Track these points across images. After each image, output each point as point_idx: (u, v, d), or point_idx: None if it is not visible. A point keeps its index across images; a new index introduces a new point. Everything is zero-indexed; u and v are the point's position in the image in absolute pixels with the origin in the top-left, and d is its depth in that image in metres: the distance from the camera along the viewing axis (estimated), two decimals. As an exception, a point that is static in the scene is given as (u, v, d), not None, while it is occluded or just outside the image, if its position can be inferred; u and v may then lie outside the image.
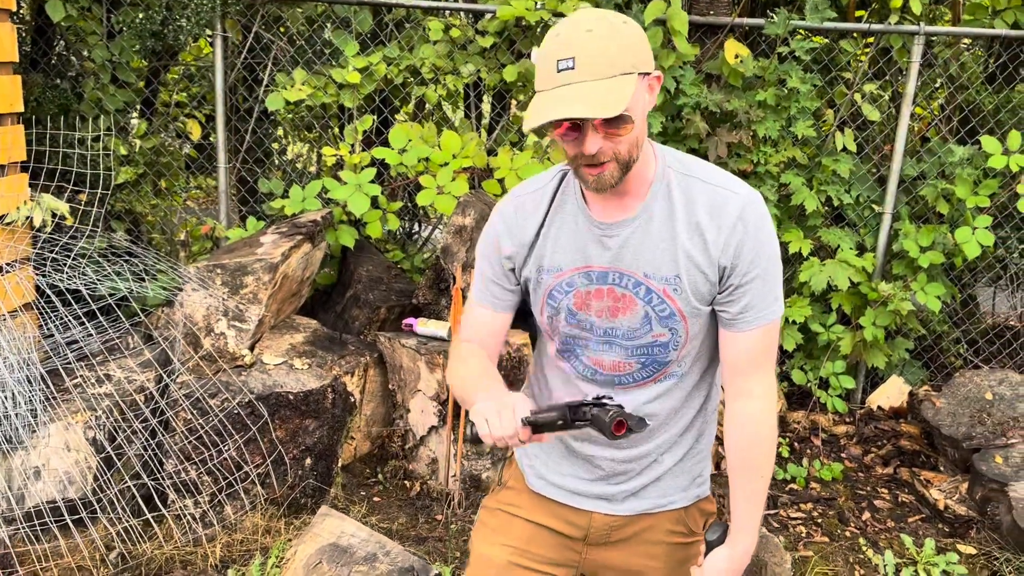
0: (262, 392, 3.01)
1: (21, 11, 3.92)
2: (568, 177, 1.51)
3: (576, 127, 1.30)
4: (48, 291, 3.08)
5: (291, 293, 3.53)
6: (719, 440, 1.81)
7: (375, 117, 4.16)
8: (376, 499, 3.34)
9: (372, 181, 3.79)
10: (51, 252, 3.14)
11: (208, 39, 4.13)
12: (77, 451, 2.86)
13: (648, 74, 1.33)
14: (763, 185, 3.82)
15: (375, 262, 4.09)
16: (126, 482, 2.99)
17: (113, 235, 3.68)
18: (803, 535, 3.22)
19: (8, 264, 3.02)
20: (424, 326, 3.46)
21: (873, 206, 4.12)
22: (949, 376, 4.19)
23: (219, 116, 4.02)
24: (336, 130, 4.81)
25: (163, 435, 3.01)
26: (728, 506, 1.54)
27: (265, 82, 4.20)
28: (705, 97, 3.69)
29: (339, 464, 3.31)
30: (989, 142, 3.81)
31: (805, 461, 3.71)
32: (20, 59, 3.09)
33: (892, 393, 4.15)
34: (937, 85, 4.68)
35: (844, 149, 3.97)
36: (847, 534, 3.25)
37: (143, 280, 3.25)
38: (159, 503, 3.00)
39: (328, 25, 4.12)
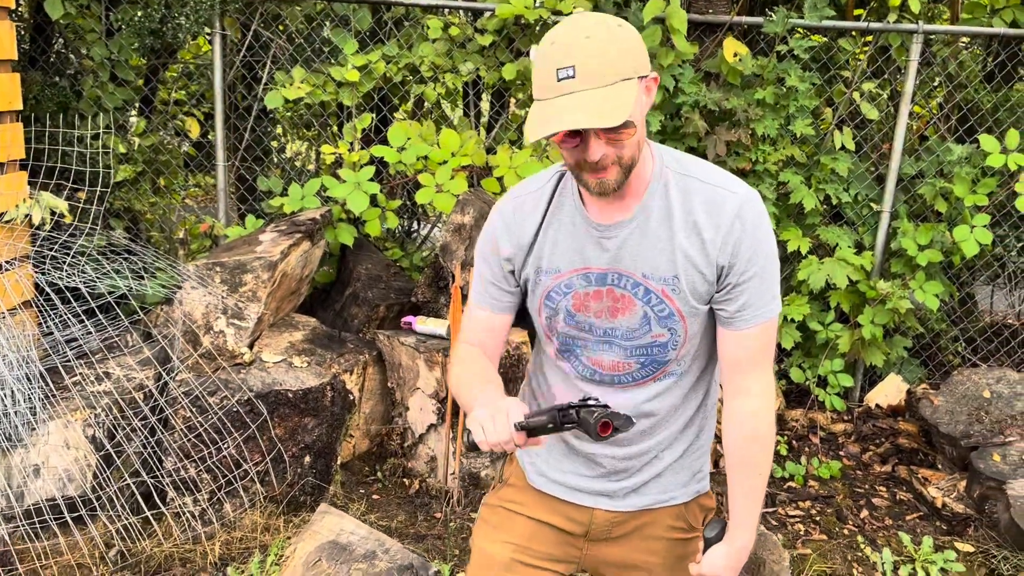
0: (261, 390, 3.01)
1: (20, 9, 3.92)
2: (566, 178, 1.51)
3: (577, 134, 1.30)
4: (47, 289, 3.08)
5: (290, 291, 3.53)
6: (717, 438, 1.82)
7: (374, 115, 4.17)
8: (375, 497, 3.34)
9: (371, 179, 3.79)
10: (50, 250, 3.14)
11: (207, 37, 4.13)
12: (76, 449, 2.86)
13: (646, 76, 1.33)
14: (762, 183, 3.83)
15: (374, 260, 4.10)
16: (125, 480, 2.99)
17: (112, 233, 3.68)
18: (801, 533, 3.23)
19: (7, 262, 3.02)
20: (423, 324, 3.46)
21: (871, 204, 4.13)
22: (947, 374, 4.20)
23: (218, 114, 4.02)
24: (335, 128, 4.81)
25: (162, 433, 3.01)
26: (727, 503, 1.55)
27: (264, 80, 4.20)
28: (704, 95, 3.69)
29: (338, 462, 3.32)
30: (987, 141, 3.82)
31: (803, 459, 3.72)
32: (19, 57, 3.08)
33: (890, 391, 4.15)
34: (935, 84, 4.69)
35: (843, 147, 3.98)
36: (845, 532, 3.25)
37: (142, 278, 3.25)
38: (158, 501, 3.01)
39: (327, 23, 4.12)
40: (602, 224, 1.44)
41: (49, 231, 3.16)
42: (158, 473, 3.00)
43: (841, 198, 3.96)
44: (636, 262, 1.43)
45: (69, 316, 3.05)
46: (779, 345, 3.98)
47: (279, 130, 5.21)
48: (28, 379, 2.85)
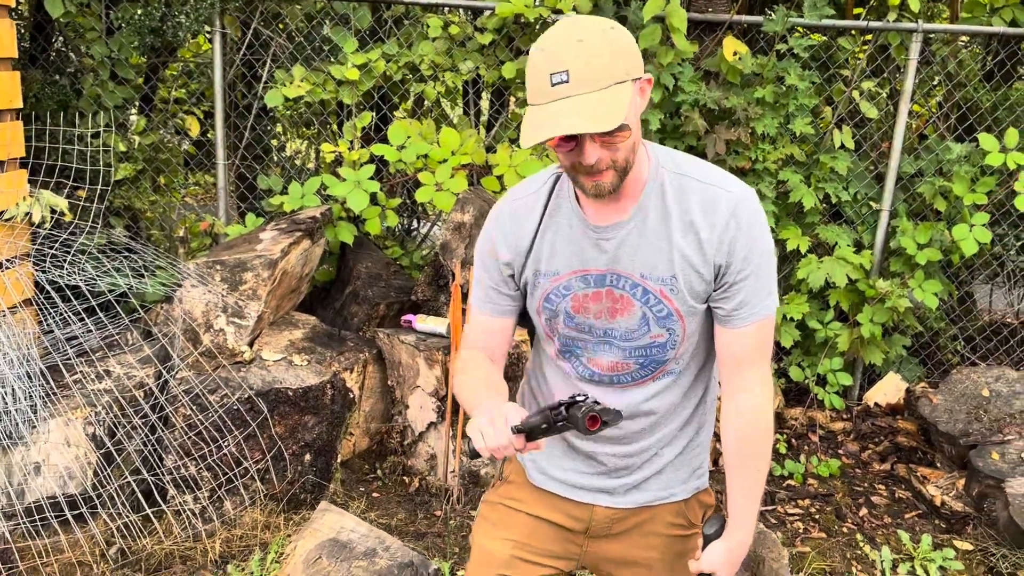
0: (261, 388, 3.02)
1: (20, 7, 3.92)
2: (562, 180, 1.51)
3: (572, 138, 1.30)
4: (48, 287, 3.09)
5: (290, 289, 3.53)
6: (716, 436, 1.82)
7: (374, 114, 4.17)
8: (375, 495, 3.35)
9: (371, 178, 3.80)
10: (50, 248, 3.14)
11: (207, 35, 4.13)
12: (77, 447, 2.87)
13: (639, 78, 1.33)
14: (761, 182, 3.83)
15: (374, 259, 4.10)
16: (126, 478, 2.99)
17: (112, 231, 3.68)
18: (800, 531, 3.23)
19: (8, 260, 3.02)
20: (423, 323, 3.47)
21: (871, 203, 4.13)
22: (946, 373, 4.21)
23: (218, 112, 4.02)
24: (335, 127, 4.81)
25: (163, 431, 3.01)
26: (726, 500, 1.55)
27: (264, 78, 4.20)
28: (703, 94, 3.70)
29: (338, 460, 3.32)
30: (987, 139, 3.82)
31: (803, 457, 3.73)
32: (19, 55, 3.09)
33: (889, 390, 4.16)
34: (935, 82, 4.69)
35: (842, 146, 3.98)
36: (844, 530, 3.26)
37: (142, 276, 3.25)
38: (159, 499, 3.01)
39: (327, 21, 4.12)
40: (599, 225, 1.44)
41: (49, 229, 3.16)
42: (158, 471, 3.01)
43: (840, 197, 3.97)
44: (634, 263, 1.44)
45: (69, 314, 3.05)
46: (778, 344, 3.99)
47: (279, 128, 5.21)
48: (29, 377, 2.86)
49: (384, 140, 3.96)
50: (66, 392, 2.97)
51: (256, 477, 3.02)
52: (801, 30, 3.91)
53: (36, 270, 3.12)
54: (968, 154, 3.91)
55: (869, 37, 4.24)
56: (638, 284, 1.44)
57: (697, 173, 1.44)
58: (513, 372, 3.24)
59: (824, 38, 4.19)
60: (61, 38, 4.11)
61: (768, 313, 1.45)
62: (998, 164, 3.77)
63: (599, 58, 1.25)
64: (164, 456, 2.99)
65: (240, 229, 3.87)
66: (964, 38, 4.54)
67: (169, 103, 4.73)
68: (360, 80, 3.94)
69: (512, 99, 4.62)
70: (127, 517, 2.92)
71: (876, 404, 4.16)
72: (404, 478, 3.46)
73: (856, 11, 4.51)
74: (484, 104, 5.22)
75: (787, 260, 4.11)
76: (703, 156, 3.81)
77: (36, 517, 2.83)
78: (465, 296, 2.89)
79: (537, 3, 3.75)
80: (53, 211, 3.11)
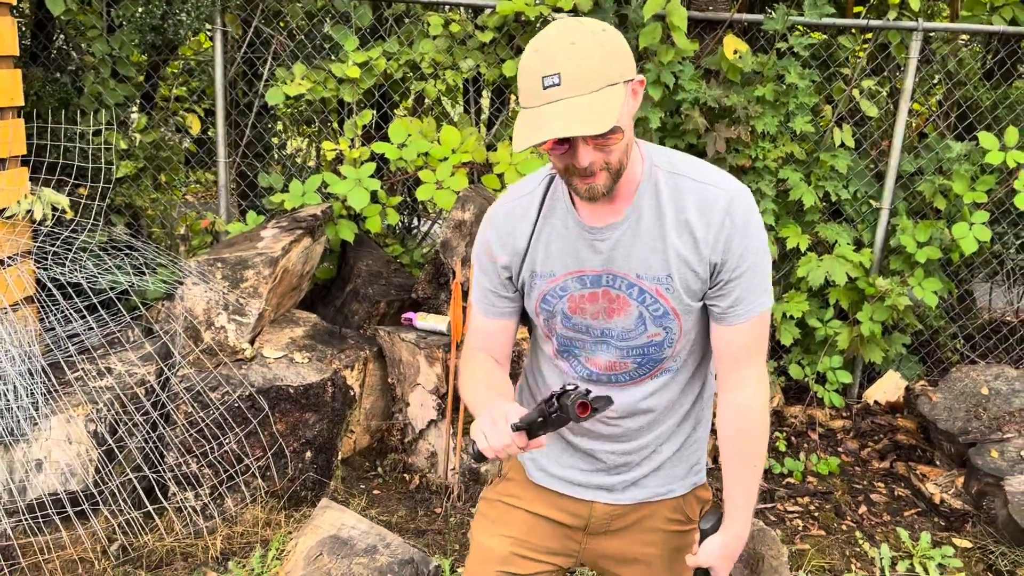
0: (262, 385, 3.02)
1: (21, 5, 3.92)
2: (556, 181, 1.51)
3: (565, 141, 1.30)
4: (49, 284, 3.09)
5: (291, 287, 3.54)
6: (713, 432, 1.83)
7: (375, 112, 4.17)
8: (376, 492, 3.36)
9: (372, 176, 3.80)
10: (52, 246, 3.14)
11: (208, 33, 4.13)
12: (78, 443, 2.88)
13: (631, 80, 1.33)
14: (761, 180, 3.83)
15: (374, 257, 4.11)
16: (127, 474, 3.00)
17: (113, 229, 3.69)
18: (800, 528, 3.24)
19: (9, 258, 3.03)
20: (423, 320, 3.48)
21: (871, 202, 4.13)
22: (945, 371, 4.21)
23: (219, 110, 4.03)
24: (336, 125, 4.82)
25: (164, 428, 3.02)
26: (723, 495, 1.56)
27: (265, 77, 4.21)
28: (704, 93, 3.70)
29: (339, 457, 3.33)
30: (987, 138, 3.83)
31: (802, 455, 3.74)
32: (20, 53, 3.09)
33: (889, 388, 4.17)
34: (935, 81, 4.70)
35: (842, 145, 3.99)
36: (844, 528, 3.27)
37: (143, 274, 3.26)
38: (160, 495, 3.02)
39: (328, 20, 4.12)
40: (594, 226, 1.44)
41: (51, 227, 3.17)
42: (160, 468, 3.02)
43: (840, 195, 3.97)
44: (629, 263, 1.44)
45: (71, 311, 3.06)
46: (778, 342, 3.99)
47: (280, 126, 5.21)
48: (30, 374, 2.86)
49: (385, 138, 3.97)
50: (68, 389, 2.97)
51: (257, 474, 3.03)
52: (801, 28, 3.92)
53: (38, 267, 3.13)
54: (968, 152, 3.91)
55: (869, 35, 4.25)
56: (634, 284, 1.45)
57: (692, 172, 1.44)
58: (515, 369, 3.24)
59: (824, 36, 4.19)
60: (62, 36, 4.12)
61: (763, 310, 1.46)
62: (998, 162, 3.77)
63: (591, 60, 1.25)
64: (165, 453, 3.00)
65: (241, 227, 3.88)
66: (964, 36, 4.54)
67: (170, 101, 4.74)
68: (361, 78, 3.94)
69: (513, 97, 4.63)
70: (128, 514, 2.93)
71: (876, 402, 4.17)
72: (404, 475, 3.47)
73: (856, 9, 4.51)
74: (485, 102, 5.22)
75: (787, 258, 4.12)
76: (703, 154, 3.81)
77: (38, 514, 2.84)
78: (465, 294, 2.90)
79: (538, 1, 3.76)
80: (54, 209, 3.12)
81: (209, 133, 4.62)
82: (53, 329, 3.07)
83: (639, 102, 1.38)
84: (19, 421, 2.79)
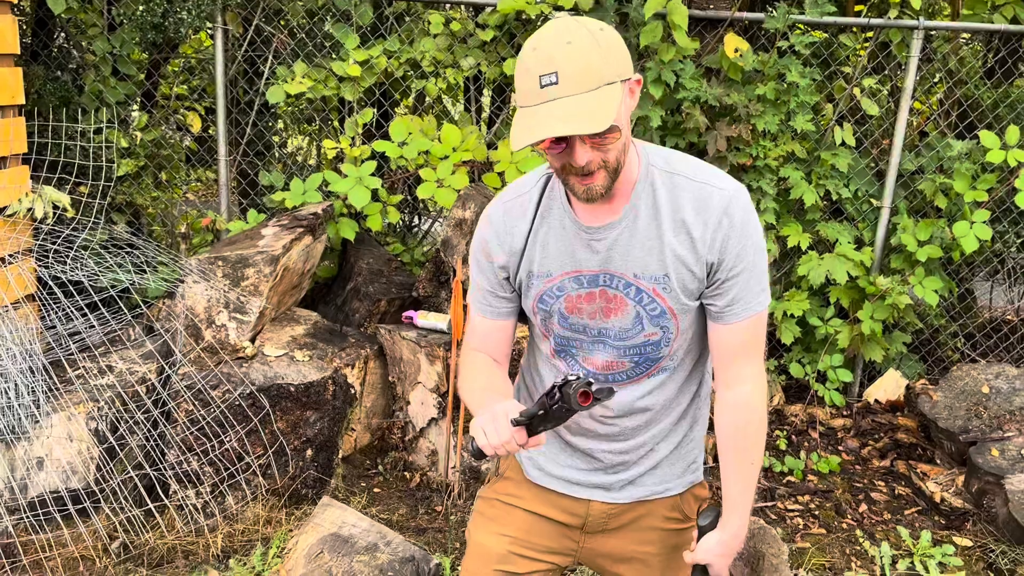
0: (263, 384, 3.03)
1: (22, 3, 3.92)
2: (552, 180, 1.51)
3: (563, 140, 1.30)
4: (50, 283, 3.10)
5: (292, 285, 3.54)
6: (711, 431, 1.83)
7: (375, 110, 4.17)
8: (376, 490, 3.36)
9: (372, 174, 3.80)
10: (53, 244, 3.15)
11: (208, 32, 4.13)
12: (80, 441, 2.88)
13: (628, 79, 1.33)
14: (762, 179, 3.83)
15: (375, 255, 4.11)
16: (128, 472, 3.00)
17: (114, 227, 3.69)
18: (800, 527, 3.24)
19: (10, 256, 3.03)
20: (424, 319, 3.48)
21: (871, 200, 4.13)
22: (946, 370, 4.21)
23: (219, 109, 4.03)
24: (336, 123, 4.82)
25: (165, 426, 3.02)
26: (721, 493, 1.57)
27: (265, 75, 4.21)
28: (705, 91, 3.70)
29: (340, 455, 3.33)
30: (987, 137, 3.82)
31: (803, 454, 3.74)
32: (21, 51, 3.09)
33: (889, 386, 4.17)
34: (936, 80, 4.69)
35: (843, 143, 3.99)
36: (844, 526, 3.27)
37: (144, 272, 3.26)
38: (161, 493, 3.02)
39: (328, 18, 4.12)
40: (591, 226, 1.44)
41: (52, 225, 3.17)
42: (161, 466, 3.02)
43: (841, 194, 3.97)
44: (627, 262, 1.44)
45: (72, 309, 3.06)
46: (779, 340, 3.99)
47: (281, 125, 5.22)
48: (31, 372, 2.87)
49: (386, 136, 3.97)
50: (69, 387, 2.98)
51: (258, 472, 3.03)
52: (802, 27, 3.91)
53: (39, 266, 3.13)
54: (969, 151, 3.91)
55: (870, 34, 4.24)
56: (631, 284, 1.44)
57: (688, 171, 1.44)
58: (515, 368, 3.25)
59: (825, 35, 4.19)
60: (63, 34, 4.12)
61: (760, 308, 1.46)
62: (999, 161, 3.77)
63: (588, 59, 1.25)
64: (166, 451, 3.00)
65: (242, 225, 3.88)
66: (965, 35, 4.54)
67: (171, 99, 4.74)
68: (361, 76, 3.94)
69: (513, 96, 4.63)
70: (129, 512, 2.94)
71: (876, 401, 4.17)
72: (405, 474, 3.47)
73: (857, 8, 4.50)
74: (485, 100, 5.22)
75: (787, 257, 4.12)
76: (704, 153, 3.81)
77: (39, 511, 2.84)
78: (466, 292, 2.90)
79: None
80: (55, 207, 3.12)
81: (210, 131, 4.63)
82: (54, 327, 3.07)
83: (636, 101, 1.37)
84: (20, 419, 2.80)
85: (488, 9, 3.93)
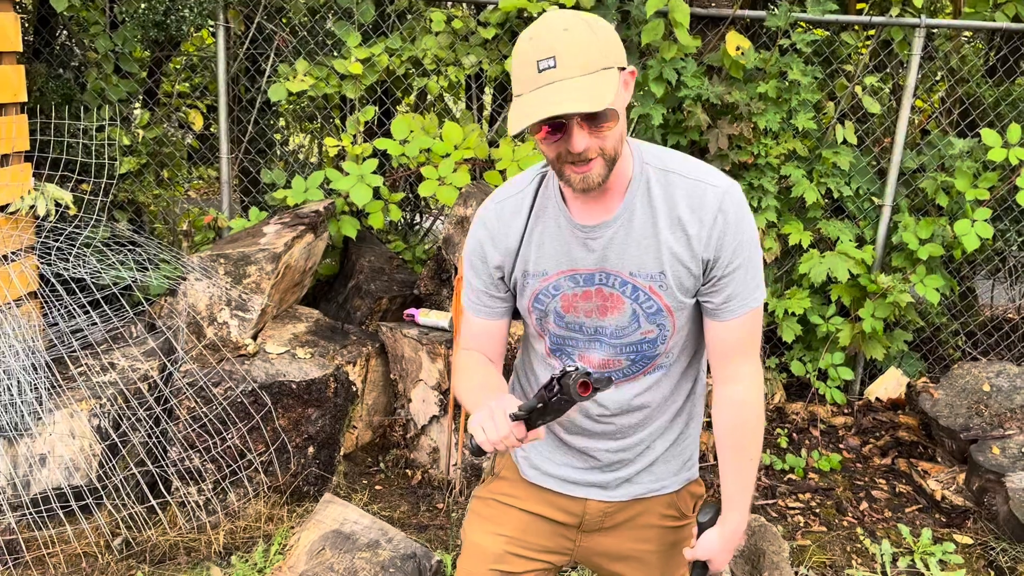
0: (265, 381, 3.03)
1: (24, 1, 3.93)
2: (547, 179, 1.50)
3: (559, 127, 1.29)
4: (53, 280, 3.10)
5: (293, 283, 3.55)
6: (709, 428, 1.84)
7: (377, 108, 4.18)
8: (378, 487, 3.37)
9: (374, 172, 3.81)
10: (55, 241, 3.15)
11: (210, 29, 4.13)
12: (82, 438, 2.89)
13: (624, 69, 1.34)
14: (763, 177, 3.83)
15: (377, 253, 4.11)
16: (130, 469, 3.01)
17: (116, 224, 3.69)
18: (801, 525, 3.25)
19: (13, 253, 3.04)
20: (426, 316, 3.48)
21: (873, 198, 4.14)
22: (947, 368, 4.22)
23: (221, 106, 4.03)
24: (338, 121, 4.82)
25: (167, 423, 3.03)
26: (719, 489, 1.57)
27: (267, 73, 4.21)
28: (706, 89, 3.70)
29: (341, 453, 3.34)
30: (989, 135, 3.82)
31: (804, 452, 3.74)
32: (23, 49, 3.10)
33: (890, 385, 4.17)
34: (938, 78, 4.69)
35: (844, 141, 3.98)
36: (845, 524, 3.27)
37: (146, 269, 3.27)
38: (163, 490, 3.03)
39: (330, 16, 4.12)
40: (586, 225, 1.44)
41: (54, 222, 3.18)
42: (163, 463, 3.03)
43: (842, 192, 3.97)
44: (623, 261, 1.44)
45: (74, 307, 3.07)
46: (780, 338, 4.00)
47: (282, 122, 5.22)
48: (34, 369, 2.87)
49: (387, 134, 3.97)
50: (71, 384, 2.98)
51: (260, 469, 3.04)
52: (804, 25, 3.91)
53: (41, 263, 3.14)
54: (970, 149, 3.91)
55: (872, 32, 4.24)
56: (627, 282, 1.44)
57: (682, 168, 1.44)
58: (507, 367, 3.25)
59: (827, 33, 4.19)
60: (65, 32, 4.12)
61: (756, 304, 1.47)
62: (1000, 159, 3.77)
63: (585, 44, 1.26)
64: (168, 448, 3.01)
65: (244, 223, 3.88)
66: (967, 33, 4.54)
67: (173, 97, 4.74)
68: (363, 74, 3.95)
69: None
70: (132, 508, 2.94)
71: (877, 399, 4.17)
72: (407, 471, 3.47)
73: (859, 6, 4.50)
74: (487, 98, 5.22)
75: (789, 255, 4.12)
76: (706, 151, 3.82)
77: (42, 508, 2.85)
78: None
79: (540, -2, 3.76)
80: (57, 204, 3.13)
81: (212, 129, 4.63)
82: (56, 324, 3.08)
83: (631, 93, 1.38)
84: (23, 416, 2.80)
85: (490, 7, 3.93)
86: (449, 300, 3.60)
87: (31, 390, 2.83)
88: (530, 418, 1.31)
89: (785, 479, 3.58)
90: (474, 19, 4.10)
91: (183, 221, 4.39)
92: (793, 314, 3.96)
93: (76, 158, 3.51)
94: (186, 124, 4.85)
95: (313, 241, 3.58)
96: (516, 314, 1.63)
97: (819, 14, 3.79)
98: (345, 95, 4.01)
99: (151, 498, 2.97)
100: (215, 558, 2.85)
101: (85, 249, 3.18)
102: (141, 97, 4.44)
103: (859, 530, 3.21)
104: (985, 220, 3.84)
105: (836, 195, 3.99)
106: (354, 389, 3.34)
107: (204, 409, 2.96)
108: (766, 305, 4.00)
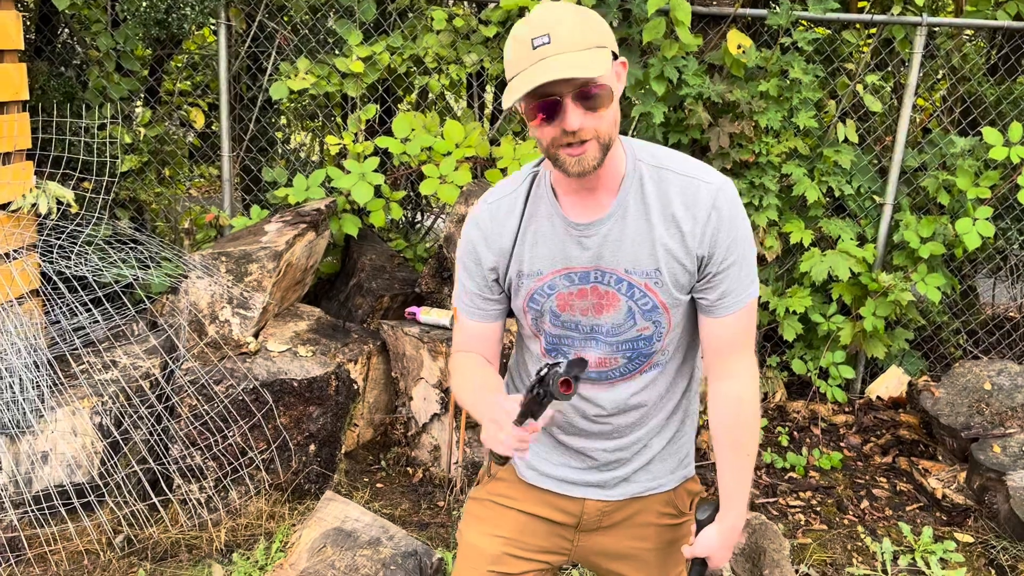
0: (266, 379, 3.04)
1: (26, -1, 3.93)
2: (539, 178, 1.50)
3: (554, 108, 1.30)
4: (54, 278, 3.11)
5: (295, 281, 3.55)
6: (705, 427, 1.84)
7: (378, 106, 4.18)
8: (379, 485, 3.37)
9: (375, 170, 3.81)
10: (57, 239, 3.16)
11: (212, 28, 4.14)
12: (84, 436, 2.89)
13: (617, 57, 1.36)
14: (765, 175, 3.84)
15: (378, 251, 4.12)
16: (132, 467, 3.02)
17: (118, 223, 3.70)
18: (802, 523, 3.25)
19: (15, 251, 3.04)
20: (427, 315, 3.49)
21: (874, 197, 4.13)
22: (948, 366, 4.21)
23: (223, 105, 4.03)
24: (339, 119, 4.82)
25: (169, 421, 3.03)
26: (716, 486, 1.57)
27: (269, 71, 4.21)
28: (708, 87, 3.70)
29: (342, 451, 3.34)
30: (990, 133, 3.82)
31: (804, 450, 3.74)
32: (25, 47, 3.10)
33: (891, 383, 4.17)
34: (939, 76, 4.69)
35: (846, 140, 3.98)
36: (846, 522, 3.28)
37: (148, 267, 3.27)
38: (165, 488, 3.03)
39: (331, 14, 4.13)
40: (580, 223, 1.44)
41: (56, 220, 3.18)
42: (164, 460, 3.03)
43: (844, 190, 3.97)
44: (618, 258, 1.44)
45: (76, 304, 3.07)
46: (781, 337, 4.00)
47: (284, 121, 5.22)
48: (36, 366, 2.88)
49: (388, 133, 3.97)
50: (73, 382, 2.99)
51: (261, 467, 3.05)
52: (805, 24, 3.91)
53: (43, 261, 3.14)
54: (972, 148, 3.91)
55: (873, 31, 4.24)
56: (623, 279, 1.44)
57: (674, 165, 1.45)
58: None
59: (828, 31, 4.18)
60: (67, 30, 4.13)
61: (750, 300, 1.47)
62: (1001, 158, 3.77)
63: (580, 25, 1.29)
64: (170, 445, 3.02)
65: (245, 221, 3.89)
66: (968, 32, 4.54)
67: (174, 95, 4.75)
68: (365, 72, 3.95)
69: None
70: (133, 506, 2.95)
71: (878, 397, 4.17)
72: (408, 469, 3.48)
73: (860, 4, 4.50)
74: (488, 97, 5.22)
75: (790, 253, 4.12)
76: (707, 149, 3.82)
77: (44, 505, 2.86)
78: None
79: (541, -4, 3.76)
80: (59, 202, 3.13)
81: (213, 127, 4.64)
82: (58, 322, 3.08)
83: (623, 84, 1.39)
84: (25, 413, 2.81)
85: (491, 5, 3.93)
86: (450, 298, 3.60)
87: (33, 388, 2.84)
88: (530, 417, 1.32)
89: (786, 477, 3.58)
90: (475, 17, 4.10)
91: (185, 219, 4.40)
92: (794, 312, 3.96)
93: (78, 156, 3.51)
94: (187, 122, 4.86)
95: (314, 239, 3.58)
96: (509, 312, 1.63)
97: (820, 12, 3.79)
98: (346, 93, 4.01)
99: (153, 495, 2.97)
100: (216, 555, 2.85)
101: (87, 247, 3.19)
102: (143, 95, 4.44)
103: (860, 528, 3.21)
104: (986, 218, 3.84)
105: (837, 193, 3.99)
106: (355, 387, 3.34)
107: (206, 407, 2.96)
108: (767, 304, 4.00)
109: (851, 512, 3.34)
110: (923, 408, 3.73)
